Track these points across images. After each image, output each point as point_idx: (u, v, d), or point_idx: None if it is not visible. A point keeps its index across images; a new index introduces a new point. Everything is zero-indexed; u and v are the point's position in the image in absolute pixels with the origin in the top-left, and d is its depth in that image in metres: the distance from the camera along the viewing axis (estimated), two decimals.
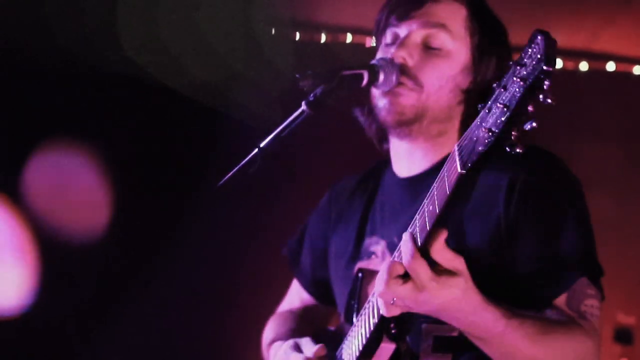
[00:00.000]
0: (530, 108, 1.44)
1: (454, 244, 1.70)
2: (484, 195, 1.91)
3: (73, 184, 4.36)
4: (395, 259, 1.75)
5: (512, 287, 1.92)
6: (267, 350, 2.34)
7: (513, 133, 1.46)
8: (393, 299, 1.71)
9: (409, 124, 2.04)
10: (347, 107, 2.21)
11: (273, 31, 4.90)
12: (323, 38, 4.98)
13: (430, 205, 1.65)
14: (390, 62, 2.03)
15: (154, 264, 4.44)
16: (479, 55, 2.06)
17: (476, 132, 1.52)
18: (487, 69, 2.06)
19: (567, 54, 4.90)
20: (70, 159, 4.36)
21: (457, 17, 2.06)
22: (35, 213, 4.20)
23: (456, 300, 1.69)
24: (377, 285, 1.74)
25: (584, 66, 4.99)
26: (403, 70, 2.03)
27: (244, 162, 1.95)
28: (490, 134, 1.47)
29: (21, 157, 4.21)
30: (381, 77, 2.01)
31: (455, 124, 2.07)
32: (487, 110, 1.50)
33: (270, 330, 2.42)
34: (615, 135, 4.96)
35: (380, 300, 1.75)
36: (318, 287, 2.42)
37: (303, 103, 1.94)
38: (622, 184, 4.92)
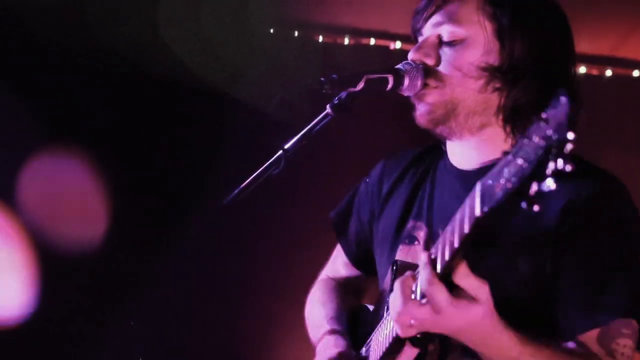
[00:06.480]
0: (549, 171, 1.41)
1: (486, 266, 1.73)
2: (532, 217, 1.81)
3: (73, 180, 4.38)
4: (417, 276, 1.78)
5: (542, 313, 1.94)
6: (319, 337, 2.34)
7: (531, 190, 1.43)
8: (411, 321, 1.74)
9: (444, 122, 2.06)
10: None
11: (296, 34, 4.93)
12: (346, 41, 4.98)
13: (450, 235, 1.67)
14: (415, 66, 2.05)
15: (156, 266, 4.45)
16: (500, 37, 2.05)
17: (497, 176, 1.51)
18: (513, 49, 2.04)
19: (591, 61, 4.87)
20: (71, 157, 4.37)
21: (467, 5, 2.07)
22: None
23: (474, 324, 1.73)
24: (393, 307, 1.77)
25: (608, 73, 4.96)
26: (426, 71, 2.06)
27: (268, 163, 1.97)
28: (509, 184, 1.47)
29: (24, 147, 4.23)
30: (406, 81, 2.03)
31: (497, 114, 2.06)
32: (510, 158, 1.49)
33: (316, 302, 2.46)
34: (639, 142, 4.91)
35: (396, 324, 1.79)
36: (361, 257, 2.44)
37: (328, 106, 1.98)
38: None
